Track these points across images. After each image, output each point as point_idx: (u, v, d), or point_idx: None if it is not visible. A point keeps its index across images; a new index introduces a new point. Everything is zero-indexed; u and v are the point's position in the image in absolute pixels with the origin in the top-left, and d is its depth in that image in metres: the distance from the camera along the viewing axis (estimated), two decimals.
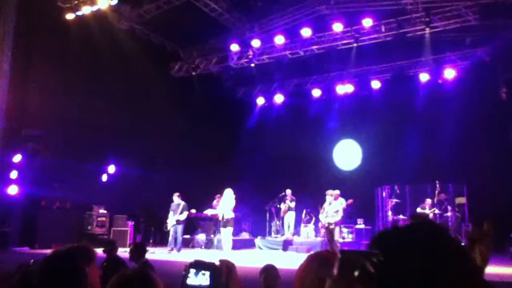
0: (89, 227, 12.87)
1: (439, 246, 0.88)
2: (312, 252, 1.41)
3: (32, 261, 2.62)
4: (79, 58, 12.78)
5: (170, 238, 12.15)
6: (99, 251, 5.49)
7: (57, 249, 2.15)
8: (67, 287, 1.90)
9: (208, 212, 13.77)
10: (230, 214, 11.30)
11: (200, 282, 1.76)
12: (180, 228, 12.10)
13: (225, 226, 11.35)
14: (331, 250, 1.45)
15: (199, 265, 1.80)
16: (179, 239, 12.11)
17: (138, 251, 5.34)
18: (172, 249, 11.90)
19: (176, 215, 12.07)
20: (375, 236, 0.94)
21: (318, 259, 1.35)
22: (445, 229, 0.95)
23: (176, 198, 12.28)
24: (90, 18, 13.08)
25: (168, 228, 12.26)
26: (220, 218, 11.57)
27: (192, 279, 1.77)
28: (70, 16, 12.95)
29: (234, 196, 11.48)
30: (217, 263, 1.86)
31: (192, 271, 1.79)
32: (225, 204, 11.43)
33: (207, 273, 1.77)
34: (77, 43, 12.76)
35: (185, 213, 12.17)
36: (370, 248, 0.91)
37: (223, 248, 11.59)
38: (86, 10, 12.90)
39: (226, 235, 11.40)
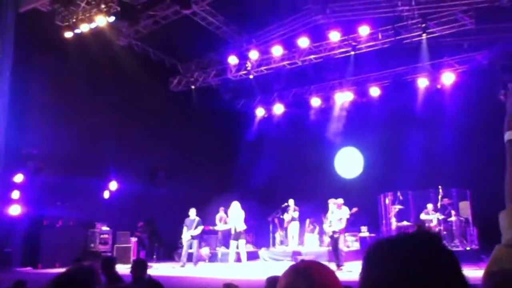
0: (92, 245, 12.79)
1: (427, 258, 0.86)
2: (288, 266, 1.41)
3: None
4: (78, 75, 12.83)
5: (184, 253, 12.18)
6: None
7: (67, 269, 2.17)
8: None
9: (222, 227, 13.60)
10: (243, 226, 11.34)
11: None
12: (195, 242, 12.15)
13: (237, 239, 11.33)
14: (308, 261, 1.44)
15: None
16: (195, 253, 12.15)
17: (138, 268, 5.28)
18: (184, 264, 11.88)
19: (190, 230, 12.08)
20: (366, 250, 0.93)
21: (294, 272, 1.34)
22: (437, 239, 0.93)
23: (193, 214, 12.32)
24: (88, 36, 13.14)
25: (183, 243, 12.28)
26: (232, 231, 11.55)
27: None
28: (68, 34, 13.01)
29: (241, 207, 11.52)
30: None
31: None
32: (235, 216, 11.42)
33: None
34: (76, 60, 12.79)
35: (200, 228, 12.22)
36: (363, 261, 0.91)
37: (228, 261, 11.56)
38: (84, 28, 12.96)
39: (240, 247, 11.39)
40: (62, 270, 2.15)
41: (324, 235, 12.40)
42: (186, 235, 12.14)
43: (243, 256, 11.35)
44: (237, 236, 11.30)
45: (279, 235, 14.77)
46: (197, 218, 12.28)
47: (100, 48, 13.21)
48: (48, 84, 12.58)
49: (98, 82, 13.13)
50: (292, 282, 1.29)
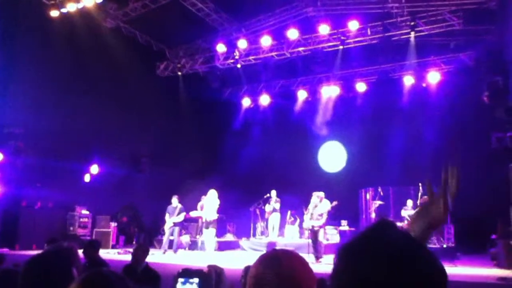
0: (71, 228, 12.70)
1: (389, 250, 0.87)
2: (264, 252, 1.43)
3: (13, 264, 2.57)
4: (63, 56, 12.59)
5: (165, 239, 12.17)
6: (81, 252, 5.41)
7: (45, 250, 2.12)
8: None
9: (194, 213, 13.67)
10: (213, 216, 11.18)
11: None
12: (177, 230, 12.12)
13: (207, 227, 11.26)
14: (287, 251, 1.46)
15: (187, 274, 1.78)
16: (176, 240, 12.12)
17: (140, 252, 5.25)
18: (166, 251, 11.86)
19: (172, 217, 12.04)
20: (337, 251, 0.94)
21: (263, 261, 1.35)
22: (391, 225, 0.94)
23: (175, 201, 12.26)
24: (75, 16, 12.91)
25: (165, 230, 12.25)
26: (203, 219, 11.50)
27: None
28: (54, 13, 12.77)
29: (217, 197, 11.42)
30: (205, 269, 1.83)
31: (180, 280, 1.76)
32: (208, 205, 11.35)
33: (196, 281, 1.75)
34: (62, 41, 12.57)
35: (182, 215, 12.19)
36: (335, 261, 0.93)
37: (205, 249, 11.53)
38: (71, 7, 12.73)
39: (209, 236, 11.31)
40: (39, 251, 2.10)
41: (303, 223, 12.48)
42: (169, 222, 12.11)
43: (210, 246, 11.22)
44: (207, 225, 11.22)
45: (260, 225, 14.85)
46: (179, 205, 12.23)
47: (86, 29, 13.00)
48: (32, 63, 12.31)
49: (83, 64, 12.92)
50: (261, 270, 1.31)
